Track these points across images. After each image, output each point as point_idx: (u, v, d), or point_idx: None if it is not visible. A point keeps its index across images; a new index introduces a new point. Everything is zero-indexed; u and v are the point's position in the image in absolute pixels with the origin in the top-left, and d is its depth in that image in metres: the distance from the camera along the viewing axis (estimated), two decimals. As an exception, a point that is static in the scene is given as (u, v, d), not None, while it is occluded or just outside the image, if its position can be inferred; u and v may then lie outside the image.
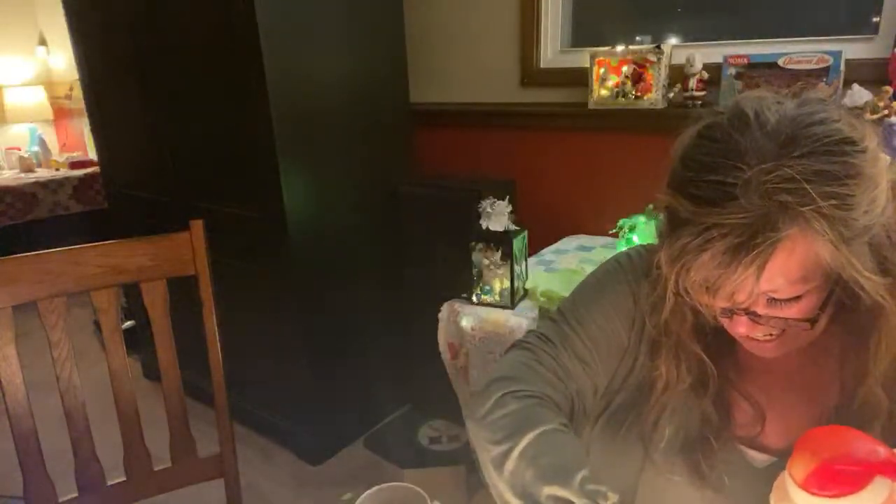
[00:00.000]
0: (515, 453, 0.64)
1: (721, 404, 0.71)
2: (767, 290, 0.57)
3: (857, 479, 0.47)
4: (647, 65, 1.75)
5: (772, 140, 0.54)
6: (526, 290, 1.52)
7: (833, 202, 0.52)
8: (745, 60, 1.61)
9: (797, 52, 1.54)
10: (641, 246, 0.83)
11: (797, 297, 0.57)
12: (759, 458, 0.70)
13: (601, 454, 0.79)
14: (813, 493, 0.48)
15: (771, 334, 0.63)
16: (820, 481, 0.48)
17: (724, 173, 0.54)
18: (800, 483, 0.49)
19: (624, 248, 0.86)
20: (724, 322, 0.64)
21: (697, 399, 0.71)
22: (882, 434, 0.61)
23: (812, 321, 0.59)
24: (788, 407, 0.71)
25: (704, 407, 0.71)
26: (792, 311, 0.59)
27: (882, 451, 0.48)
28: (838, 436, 0.51)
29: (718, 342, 0.70)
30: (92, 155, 3.82)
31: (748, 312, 0.60)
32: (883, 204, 0.56)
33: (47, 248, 1.01)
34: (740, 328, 0.62)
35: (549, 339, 0.78)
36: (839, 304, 0.60)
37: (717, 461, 0.70)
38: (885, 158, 0.58)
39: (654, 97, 1.76)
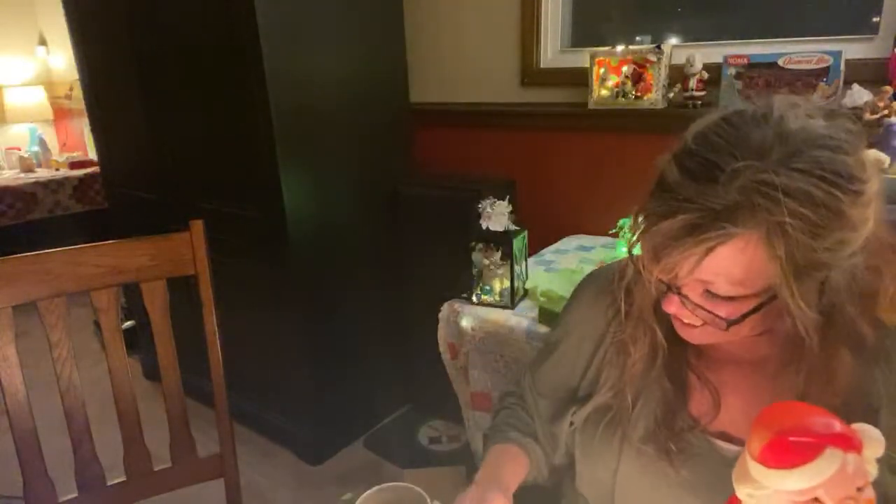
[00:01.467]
0: None
1: (677, 383, 0.74)
2: (706, 278, 0.58)
3: (809, 450, 0.48)
4: (647, 65, 1.75)
5: (781, 145, 0.55)
6: (526, 290, 1.52)
7: (800, 223, 0.53)
8: (745, 60, 1.61)
9: (797, 52, 1.54)
10: (604, 266, 0.90)
11: (731, 298, 0.59)
12: (728, 448, 0.72)
13: (582, 456, 0.82)
14: (768, 466, 0.49)
15: (692, 324, 0.65)
16: (774, 454, 0.49)
17: (720, 157, 0.56)
18: (755, 457, 0.50)
19: (611, 256, 0.91)
20: (659, 297, 0.67)
21: (653, 371, 0.74)
22: None
23: (729, 323, 0.60)
24: (750, 395, 0.72)
25: (661, 381, 0.74)
26: (720, 310, 0.60)
27: (836, 423, 0.49)
28: (793, 410, 0.52)
29: None
30: (92, 155, 3.82)
31: (681, 294, 0.62)
32: (852, 250, 0.56)
33: (47, 248, 1.01)
34: (670, 307, 0.64)
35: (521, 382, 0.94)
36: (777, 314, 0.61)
37: (681, 441, 0.72)
38: (878, 217, 0.57)
39: (654, 97, 1.76)
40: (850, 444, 0.48)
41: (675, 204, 0.56)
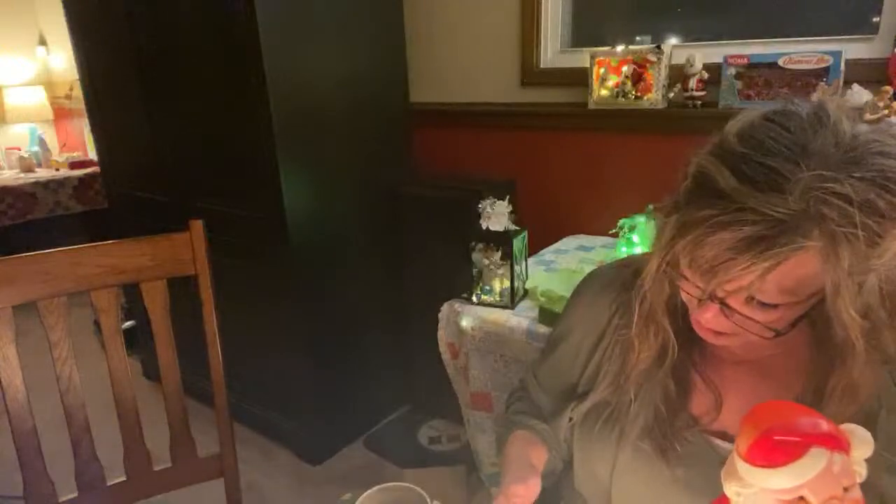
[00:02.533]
0: None
1: (680, 382, 0.74)
2: (756, 289, 0.56)
3: (794, 448, 0.48)
4: (647, 65, 1.75)
5: (840, 151, 0.53)
6: (526, 290, 1.52)
7: (864, 234, 0.51)
8: (745, 60, 1.61)
9: (797, 52, 1.54)
10: (606, 265, 0.91)
11: (776, 306, 0.57)
12: (727, 448, 0.72)
13: (579, 451, 0.83)
14: (754, 464, 0.49)
15: (725, 333, 0.63)
16: (760, 452, 0.49)
17: (783, 163, 0.53)
18: (742, 455, 0.50)
19: (611, 256, 0.92)
20: (690, 302, 0.64)
21: (660, 371, 0.73)
22: None
23: (778, 333, 0.58)
24: (752, 397, 0.71)
25: (665, 380, 0.73)
26: (764, 317, 0.58)
27: (823, 423, 0.49)
28: (781, 410, 0.52)
29: (688, 325, 0.71)
30: (92, 155, 3.82)
31: (722, 303, 0.59)
32: (892, 257, 0.55)
33: (47, 248, 1.01)
34: (707, 314, 0.61)
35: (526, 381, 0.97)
36: (812, 322, 0.60)
37: (679, 440, 0.72)
38: None
39: (654, 97, 1.76)
40: (836, 444, 0.48)
41: (737, 214, 0.52)
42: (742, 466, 0.50)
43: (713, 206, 0.54)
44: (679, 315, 0.71)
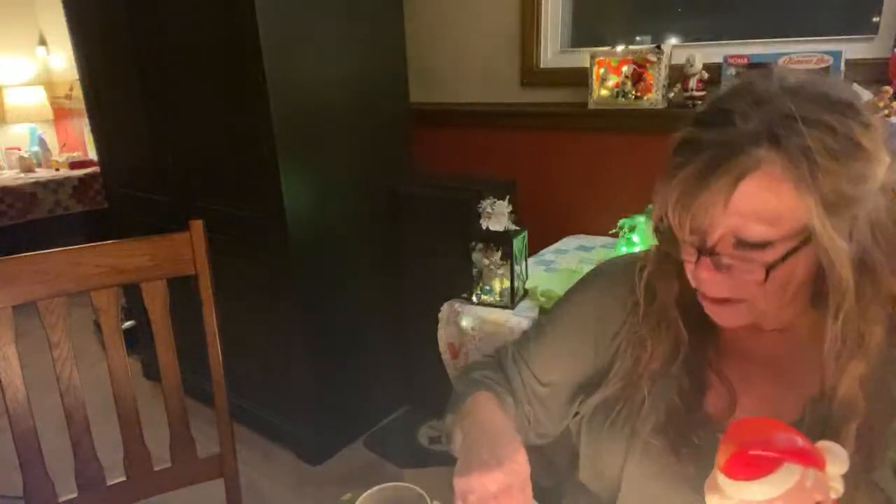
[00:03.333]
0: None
1: (695, 379, 0.73)
2: (736, 223, 0.58)
3: (768, 463, 0.50)
4: (647, 65, 1.75)
5: (783, 91, 0.58)
6: (526, 290, 1.52)
7: (821, 149, 0.55)
8: (745, 60, 1.61)
9: (797, 52, 1.54)
10: (614, 258, 0.89)
11: (763, 246, 0.59)
12: None
13: (588, 448, 0.81)
14: (732, 477, 0.52)
15: (728, 298, 0.64)
16: (737, 465, 0.51)
17: (734, 104, 0.59)
18: (721, 468, 0.53)
19: (611, 256, 0.91)
20: (689, 269, 0.66)
21: (673, 366, 0.73)
22: (857, 435, 0.62)
23: (768, 267, 0.59)
24: (766, 396, 0.71)
25: (679, 377, 0.73)
26: (754, 261, 0.60)
27: (799, 440, 0.51)
28: (761, 426, 0.54)
29: (701, 321, 0.72)
30: (92, 155, 3.82)
31: (713, 254, 0.61)
32: (873, 188, 0.58)
33: (47, 248, 1.01)
34: (702, 272, 0.63)
35: (507, 352, 0.89)
36: (812, 289, 0.62)
37: (691, 438, 0.71)
38: (887, 159, 0.59)
39: (654, 97, 1.76)
40: (809, 459, 0.51)
41: (696, 148, 0.58)
42: (722, 479, 0.53)
43: (678, 151, 0.61)
44: (691, 311, 0.71)
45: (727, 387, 0.73)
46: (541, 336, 0.87)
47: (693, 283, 0.67)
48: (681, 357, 0.73)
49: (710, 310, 0.68)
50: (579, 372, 0.83)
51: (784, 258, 0.59)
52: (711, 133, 0.58)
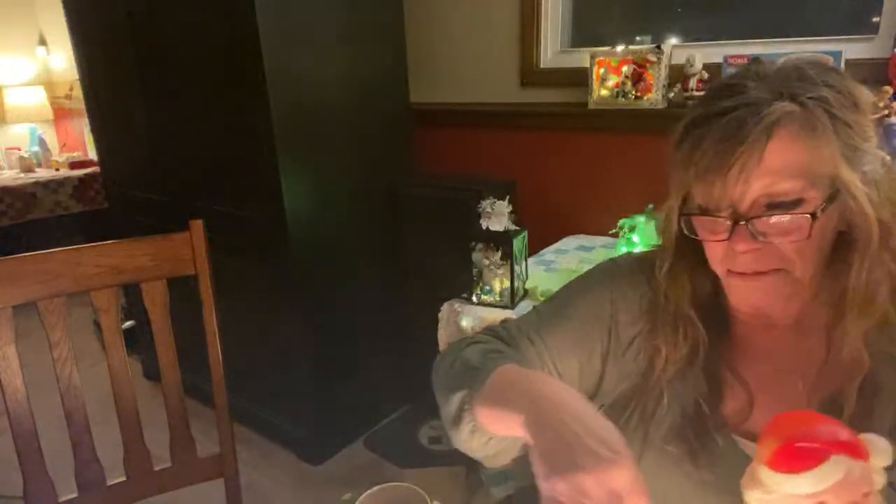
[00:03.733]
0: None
1: (713, 380, 0.72)
2: (768, 183, 0.58)
3: (815, 455, 0.50)
4: (647, 65, 1.75)
5: (782, 65, 0.62)
6: (526, 290, 1.52)
7: (833, 101, 0.58)
8: (745, 60, 1.61)
9: (797, 51, 1.54)
10: (628, 253, 0.85)
11: (795, 203, 0.59)
12: (753, 447, 0.70)
13: None
14: (778, 470, 0.51)
15: (765, 270, 0.62)
16: (784, 458, 0.51)
17: (738, 79, 0.61)
18: (765, 461, 0.52)
19: (612, 255, 0.88)
20: (716, 252, 0.64)
21: (692, 370, 0.72)
22: (860, 397, 0.63)
23: (813, 215, 0.59)
24: (781, 395, 0.71)
25: (697, 380, 0.72)
26: (791, 220, 0.60)
27: (843, 432, 0.51)
28: (802, 418, 0.54)
29: (715, 319, 0.71)
30: (92, 155, 3.82)
31: (748, 220, 0.60)
32: (873, 147, 0.61)
33: (47, 248, 1.01)
34: (739, 244, 0.61)
35: (506, 328, 0.79)
36: (832, 248, 0.63)
37: (709, 441, 0.70)
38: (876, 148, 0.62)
39: (654, 97, 1.76)
40: (855, 451, 0.50)
41: (713, 120, 0.59)
42: (765, 473, 0.52)
43: (691, 129, 0.61)
44: (706, 310, 0.71)
45: (744, 386, 0.72)
46: (558, 320, 0.78)
47: (721, 267, 0.65)
48: (700, 359, 0.71)
49: (745, 287, 0.65)
50: (587, 369, 0.78)
51: (824, 208, 0.59)
52: (725, 102, 0.59)
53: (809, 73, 0.60)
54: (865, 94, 0.62)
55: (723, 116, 0.58)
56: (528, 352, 0.75)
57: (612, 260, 0.83)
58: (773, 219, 0.59)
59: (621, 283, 0.78)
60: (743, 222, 0.60)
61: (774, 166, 0.57)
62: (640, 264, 0.78)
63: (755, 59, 0.65)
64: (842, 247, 0.64)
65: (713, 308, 0.71)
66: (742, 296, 0.67)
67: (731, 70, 1.62)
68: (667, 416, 0.73)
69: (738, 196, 0.60)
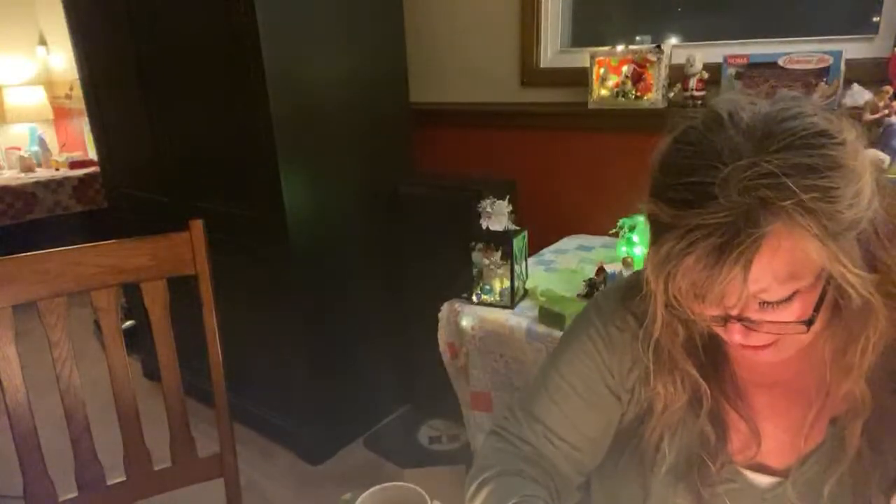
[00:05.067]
0: None
1: (718, 423, 0.70)
2: (756, 291, 0.55)
3: None
4: (647, 65, 1.75)
5: (747, 138, 0.54)
6: (526, 290, 1.52)
7: (815, 195, 0.51)
8: (745, 60, 1.61)
9: (797, 51, 1.54)
10: (608, 289, 0.83)
11: (789, 299, 0.56)
12: (760, 479, 0.70)
13: (601, 481, 0.79)
14: None
15: (763, 344, 0.61)
16: None
17: (702, 174, 0.53)
18: None
19: (592, 299, 0.85)
20: (719, 331, 0.62)
21: (694, 417, 0.69)
22: (865, 430, 0.61)
23: (807, 323, 0.57)
24: (784, 424, 0.70)
25: (702, 426, 0.69)
26: (785, 314, 0.57)
27: None
28: None
29: (712, 356, 0.69)
30: (92, 155, 3.82)
31: (741, 319, 0.58)
32: (868, 196, 0.55)
33: (47, 248, 1.01)
34: (735, 336, 0.59)
35: (516, 418, 0.82)
36: (833, 305, 0.59)
37: (715, 483, 0.69)
38: (866, 152, 0.57)
39: (654, 97, 1.76)
40: None
41: (688, 236, 0.53)
42: None
43: (667, 240, 0.55)
44: (701, 352, 0.69)
45: (749, 423, 0.70)
46: (553, 398, 0.79)
47: (727, 340, 0.63)
48: (704, 409, 0.69)
49: (746, 354, 0.64)
50: (605, 419, 0.78)
51: (817, 309, 0.57)
52: (692, 216, 0.53)
53: (785, 158, 0.52)
54: (850, 147, 0.55)
55: (697, 240, 0.53)
56: (557, 458, 0.79)
57: (592, 302, 0.82)
58: (768, 316, 0.58)
59: (607, 322, 0.77)
60: (734, 322, 0.59)
61: (760, 278, 0.54)
62: (625, 300, 0.75)
63: (708, 119, 0.57)
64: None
65: (711, 348, 0.69)
66: (752, 358, 0.65)
67: (731, 70, 1.62)
68: (669, 455, 0.71)
69: (726, 306, 0.57)
